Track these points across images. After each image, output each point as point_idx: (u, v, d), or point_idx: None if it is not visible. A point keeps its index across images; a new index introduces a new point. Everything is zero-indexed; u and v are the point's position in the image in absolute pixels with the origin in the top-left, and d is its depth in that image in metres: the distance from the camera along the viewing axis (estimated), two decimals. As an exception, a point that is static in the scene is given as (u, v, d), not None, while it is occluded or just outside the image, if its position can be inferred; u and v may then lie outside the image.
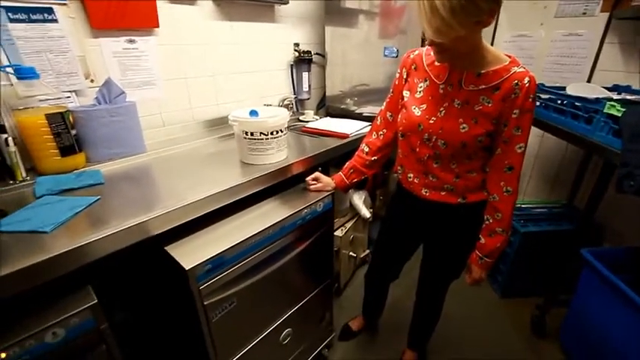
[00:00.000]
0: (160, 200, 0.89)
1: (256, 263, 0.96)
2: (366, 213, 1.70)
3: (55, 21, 1.09)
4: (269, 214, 1.01)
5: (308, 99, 1.97)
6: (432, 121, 0.91)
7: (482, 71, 0.84)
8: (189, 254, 0.83)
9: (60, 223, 0.79)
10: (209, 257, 0.82)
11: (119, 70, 1.26)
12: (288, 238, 1.05)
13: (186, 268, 0.78)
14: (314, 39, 1.94)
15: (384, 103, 1.12)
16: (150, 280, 1.02)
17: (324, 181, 1.17)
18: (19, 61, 1.05)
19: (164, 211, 0.83)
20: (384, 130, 1.13)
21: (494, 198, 0.93)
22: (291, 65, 1.87)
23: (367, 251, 1.97)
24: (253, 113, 1.19)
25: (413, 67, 0.98)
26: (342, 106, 1.89)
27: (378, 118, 1.14)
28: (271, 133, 1.12)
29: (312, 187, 1.17)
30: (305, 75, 1.88)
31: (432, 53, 0.92)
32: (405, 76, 1.01)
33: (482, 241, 0.98)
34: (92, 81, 1.21)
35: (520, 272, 1.79)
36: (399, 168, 1.09)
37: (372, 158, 1.15)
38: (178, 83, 1.43)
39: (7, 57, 1.03)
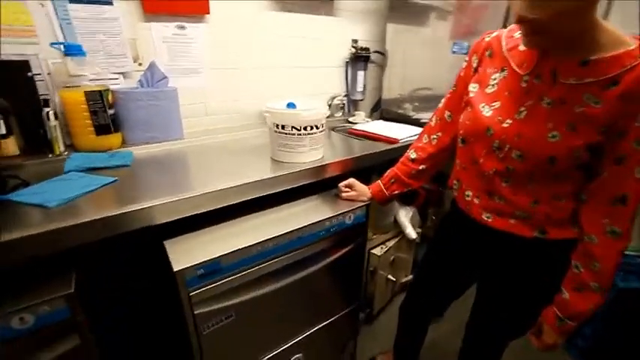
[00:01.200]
0: (175, 188, 0.80)
1: (263, 274, 0.83)
2: (411, 232, 1.47)
3: (110, 3, 1.11)
4: (287, 220, 0.88)
5: (361, 100, 1.80)
6: (506, 125, 0.68)
7: (591, 58, 0.58)
8: (186, 253, 0.73)
9: (66, 200, 0.75)
10: (202, 261, 0.71)
11: (167, 55, 1.25)
12: (306, 250, 0.90)
13: (175, 270, 0.68)
14: (374, 36, 1.78)
15: (443, 100, 0.91)
16: (147, 277, 0.95)
17: (358, 190, 1.00)
18: (74, 40, 1.08)
19: (167, 201, 0.74)
20: (440, 134, 0.91)
21: (591, 239, 0.66)
22: (347, 62, 1.73)
23: (410, 277, 1.72)
24: (291, 105, 1.07)
25: (487, 53, 0.76)
26: (400, 111, 1.69)
27: (433, 118, 0.94)
28: (305, 129, 0.98)
29: (344, 194, 1.01)
30: (360, 74, 1.72)
31: (516, 35, 0.70)
32: (474, 65, 0.79)
33: (566, 296, 0.71)
34: (140, 64, 1.21)
35: (610, 339, 1.37)
36: (454, 183, 0.87)
37: (420, 167, 0.94)
38: (225, 73, 1.39)
39: (64, 35, 1.07)
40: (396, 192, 0.98)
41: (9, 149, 0.96)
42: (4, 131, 0.93)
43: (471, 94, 0.76)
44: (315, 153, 1.04)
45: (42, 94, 1.03)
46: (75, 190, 0.79)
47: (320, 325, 1.06)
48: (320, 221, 0.89)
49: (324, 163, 1.01)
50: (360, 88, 1.75)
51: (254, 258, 0.79)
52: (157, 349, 0.95)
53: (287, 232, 0.83)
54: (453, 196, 0.91)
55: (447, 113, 0.89)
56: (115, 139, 1.11)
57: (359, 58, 1.69)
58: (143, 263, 0.87)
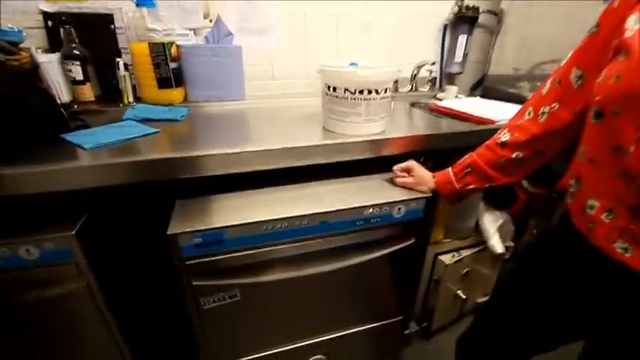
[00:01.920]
0: (207, 144, 0.73)
1: (276, 258, 0.70)
2: (496, 245, 1.14)
3: (186, -44, 1.08)
4: (317, 198, 0.71)
5: (459, 73, 1.47)
6: None
7: None
8: (190, 217, 0.64)
9: (102, 144, 0.75)
10: (200, 229, 0.61)
11: (237, 14, 1.19)
12: (335, 240, 0.73)
13: (168, 233, 0.60)
14: (487, -9, 1.40)
15: (569, 55, 0.59)
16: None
17: (417, 176, 0.76)
18: (152, -7, 1.10)
19: (190, 154, 0.66)
20: (555, 106, 0.60)
21: None
22: (445, 25, 1.40)
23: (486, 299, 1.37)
24: (353, 65, 0.88)
25: None
26: (512, 90, 1.31)
27: (547, 83, 0.62)
28: (360, 92, 0.79)
29: (398, 179, 0.78)
30: (462, 40, 1.39)
31: None
32: None
33: None
34: (210, 21, 1.18)
35: None
36: (570, 184, 0.57)
37: (513, 155, 0.65)
38: (296, 35, 1.27)
39: (143, -11, 1.09)
40: (472, 187, 0.70)
41: (85, 95, 1.03)
42: (81, 77, 1.01)
43: (630, 33, 0.45)
44: (373, 125, 0.84)
45: (122, 47, 1.10)
46: (116, 136, 0.79)
47: (351, 330, 0.89)
48: (355, 208, 0.70)
49: (381, 138, 0.80)
50: (458, 58, 1.42)
51: (264, 237, 0.66)
52: (162, 315, 0.92)
53: (311, 214, 0.67)
54: (565, 205, 0.59)
55: (575, 73, 0.57)
56: (176, 93, 1.11)
57: (462, 20, 1.36)
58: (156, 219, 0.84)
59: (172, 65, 1.07)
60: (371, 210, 0.71)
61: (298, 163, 0.74)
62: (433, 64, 1.34)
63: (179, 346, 0.96)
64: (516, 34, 1.28)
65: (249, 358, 0.81)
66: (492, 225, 1.14)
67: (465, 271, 1.22)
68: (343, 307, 0.86)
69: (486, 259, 1.28)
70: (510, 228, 1.19)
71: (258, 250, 0.67)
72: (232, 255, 0.66)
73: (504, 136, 0.65)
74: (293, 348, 0.85)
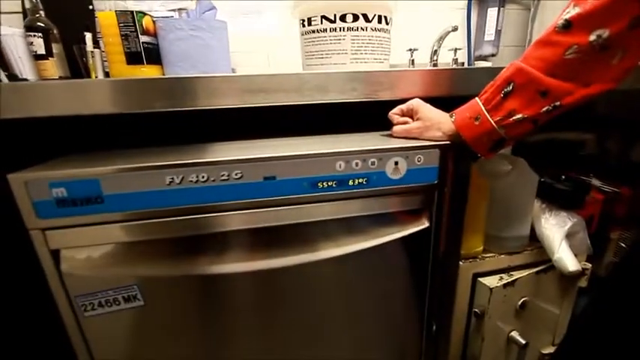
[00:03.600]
0: None
1: (201, 238, 0.44)
2: (565, 259, 0.78)
3: None
4: (269, 149, 0.46)
5: (492, 55, 1.20)
6: None
7: None
8: (54, 166, 0.42)
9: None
10: (61, 176, 0.38)
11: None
12: (291, 213, 0.46)
13: (9, 177, 0.38)
14: (522, -46, 1.18)
15: None
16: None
17: (426, 118, 0.48)
18: (134, -28, 1.02)
19: None
20: None
21: None
22: None
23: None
24: None
25: None
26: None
27: None
28: (343, 19, 0.57)
29: (397, 127, 0.52)
30: (492, 13, 1.15)
31: None
32: None
33: None
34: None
35: None
36: None
37: (592, 37, 0.36)
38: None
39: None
40: (517, 117, 0.41)
41: (48, 71, 0.92)
42: (43, 51, 0.90)
43: None
44: (363, 68, 0.60)
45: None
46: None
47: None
48: (316, 156, 0.43)
49: (374, 70, 0.55)
50: (489, 35, 1.17)
51: (171, 197, 0.41)
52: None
53: (235, 160, 0.41)
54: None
55: None
56: (147, 71, 0.96)
57: (491, -10, 1.14)
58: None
59: (144, 39, 0.94)
60: (346, 162, 0.44)
61: (261, 102, 0.51)
62: (469, 49, 1.10)
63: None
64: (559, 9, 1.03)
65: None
66: (557, 230, 0.79)
67: (520, 301, 0.85)
68: (318, 336, 0.55)
69: (553, 284, 0.89)
70: (585, 237, 0.83)
71: (158, 220, 0.42)
72: (122, 224, 0.42)
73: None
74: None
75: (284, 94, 0.51)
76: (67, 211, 0.40)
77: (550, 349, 0.98)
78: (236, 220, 0.44)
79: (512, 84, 0.41)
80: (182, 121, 0.81)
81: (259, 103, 0.50)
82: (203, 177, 0.41)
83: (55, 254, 0.42)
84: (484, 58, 1.21)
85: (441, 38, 1.07)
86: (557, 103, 0.39)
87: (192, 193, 0.41)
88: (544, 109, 0.40)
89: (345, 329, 0.54)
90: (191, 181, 0.41)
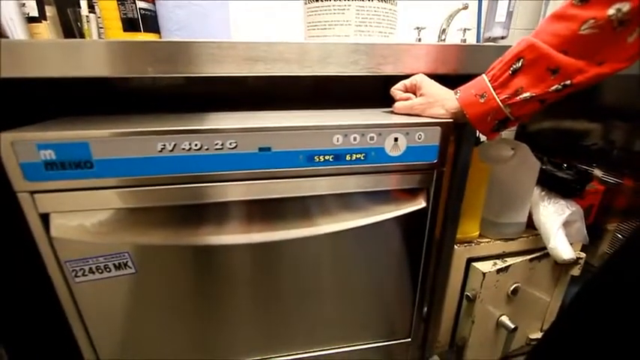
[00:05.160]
0: None
1: (193, 207, 0.43)
2: (560, 247, 0.77)
3: None
4: (263, 120, 0.45)
5: (502, 38, 1.16)
6: None
7: None
8: (42, 127, 0.41)
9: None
10: (49, 138, 0.37)
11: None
12: (285, 186, 0.45)
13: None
14: None
15: None
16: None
17: (429, 94, 0.47)
18: None
19: None
20: None
21: None
22: (483, -23, 1.13)
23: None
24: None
25: None
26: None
27: None
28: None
29: (398, 104, 0.50)
30: (505, -7, 1.10)
31: None
32: None
33: None
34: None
35: None
36: None
37: (611, 11, 0.34)
38: None
39: None
40: (525, 96, 0.39)
41: (41, 35, 0.89)
42: (35, 14, 0.87)
43: None
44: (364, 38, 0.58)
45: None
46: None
47: (324, 351, 0.58)
48: (314, 129, 0.42)
49: (377, 43, 0.52)
50: (500, 17, 1.13)
51: (162, 164, 0.40)
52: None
53: (230, 130, 0.40)
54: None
55: None
56: (145, 39, 0.94)
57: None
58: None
59: (141, 5, 0.90)
60: (344, 136, 0.43)
61: (259, 72, 0.49)
62: (478, 30, 1.06)
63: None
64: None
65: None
66: (555, 218, 0.79)
67: (512, 286, 0.85)
68: (310, 311, 0.55)
69: (545, 272, 0.90)
70: (582, 227, 0.82)
71: (149, 188, 0.41)
72: (112, 191, 0.41)
73: None
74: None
75: (284, 64, 0.49)
76: (56, 174, 0.39)
77: (538, 335, 1.00)
78: (229, 192, 0.43)
79: (521, 60, 0.39)
80: (178, 91, 0.79)
81: (258, 73, 0.48)
82: (196, 145, 0.40)
83: (45, 218, 0.41)
84: (493, 40, 1.17)
85: (451, 17, 1.03)
86: (568, 82, 0.37)
87: (184, 161, 0.40)
88: (553, 87, 0.38)
89: (337, 305, 0.55)
90: (183, 149, 0.40)
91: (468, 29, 1.06)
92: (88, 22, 0.90)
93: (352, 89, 0.79)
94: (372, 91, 0.80)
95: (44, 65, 0.41)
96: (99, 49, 0.43)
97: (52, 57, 0.41)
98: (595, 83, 0.38)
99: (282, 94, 0.77)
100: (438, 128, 0.45)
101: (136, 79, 0.75)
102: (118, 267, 0.44)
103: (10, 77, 0.40)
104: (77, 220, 0.42)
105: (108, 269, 0.44)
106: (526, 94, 0.39)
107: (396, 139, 0.44)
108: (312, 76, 0.50)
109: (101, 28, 0.93)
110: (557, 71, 0.37)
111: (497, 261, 0.84)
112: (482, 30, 1.16)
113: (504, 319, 0.87)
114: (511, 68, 0.40)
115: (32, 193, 0.39)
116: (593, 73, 0.37)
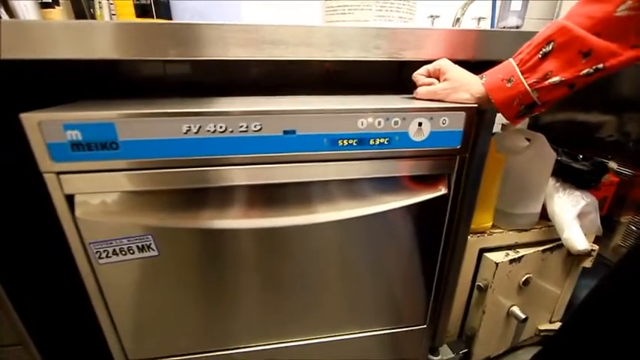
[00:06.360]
0: None
1: (219, 190, 0.43)
2: (574, 238, 0.77)
3: None
4: (285, 104, 0.44)
5: (517, 28, 1.14)
6: None
7: None
8: (66, 109, 0.41)
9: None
10: (75, 118, 0.37)
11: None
12: (310, 170, 0.45)
13: (21, 115, 0.36)
14: None
15: None
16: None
17: (454, 80, 0.46)
18: None
19: None
20: None
21: None
22: (499, -34, 1.11)
23: (556, 325, 0.97)
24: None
25: None
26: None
27: None
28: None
29: (421, 89, 0.50)
30: (521, -19, 1.08)
31: None
32: None
33: None
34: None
35: None
36: None
37: None
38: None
39: None
40: (553, 80, 0.39)
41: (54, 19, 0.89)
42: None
43: None
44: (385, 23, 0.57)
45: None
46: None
47: (340, 336, 0.58)
48: (338, 112, 0.42)
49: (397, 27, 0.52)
50: (515, 6, 1.10)
51: (188, 146, 0.40)
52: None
53: (255, 112, 0.40)
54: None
55: None
56: (157, 25, 0.93)
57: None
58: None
59: (154, -10, 0.90)
60: (368, 120, 0.42)
61: (279, 56, 0.48)
62: (492, 20, 1.04)
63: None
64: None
65: (178, 358, 0.54)
66: (570, 209, 0.78)
67: (524, 277, 0.85)
68: (329, 298, 0.56)
69: (557, 263, 0.90)
70: (596, 218, 0.82)
71: (175, 170, 0.41)
72: (137, 172, 0.41)
73: None
74: (239, 353, 0.56)
75: (305, 48, 0.48)
76: (81, 155, 0.39)
77: (547, 326, 1.00)
78: (255, 175, 0.43)
79: (552, 43, 0.38)
80: (189, 80, 0.78)
81: (278, 57, 0.48)
82: (221, 127, 0.40)
83: (70, 199, 0.41)
84: (508, 29, 1.15)
85: (465, 5, 1.02)
86: (600, 66, 0.37)
87: (209, 143, 0.40)
88: (584, 71, 0.37)
89: (355, 291, 0.55)
90: (209, 130, 0.40)
91: (483, 18, 1.04)
92: (100, 7, 0.89)
93: (365, 77, 0.79)
94: (385, 78, 0.79)
95: (54, 47, 0.40)
96: (110, 30, 0.42)
97: (62, 38, 0.41)
98: (626, 67, 0.37)
99: (294, 81, 0.76)
100: (463, 113, 0.44)
101: (148, 68, 0.74)
102: (141, 249, 0.45)
103: (19, 59, 0.40)
104: (101, 201, 0.42)
105: (131, 251, 0.45)
106: (555, 79, 0.39)
107: (420, 124, 0.43)
108: (325, 65, 0.49)
109: (113, 14, 0.93)
110: (589, 54, 0.37)
111: (509, 252, 0.84)
112: (496, 19, 1.14)
113: (515, 309, 0.88)
114: (541, 52, 0.39)
115: (58, 174, 0.39)
116: (626, 56, 0.36)
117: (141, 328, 0.51)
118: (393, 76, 0.79)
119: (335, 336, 0.59)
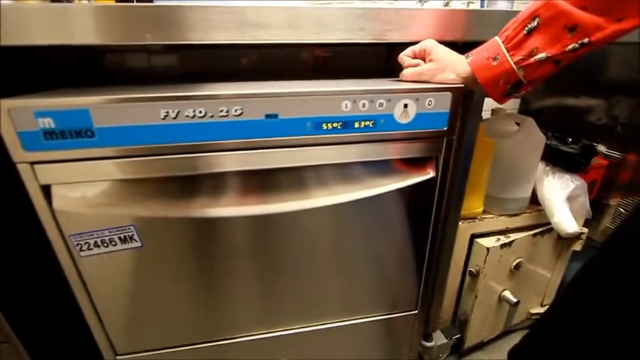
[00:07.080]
0: None
1: (200, 177, 0.42)
2: (564, 221, 0.78)
3: None
4: (269, 87, 0.43)
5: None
6: None
7: None
8: (39, 95, 0.39)
9: None
10: (47, 105, 0.35)
11: None
12: (295, 155, 0.44)
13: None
14: None
15: None
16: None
17: (439, 60, 0.45)
18: None
19: None
20: None
21: None
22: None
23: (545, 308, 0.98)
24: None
25: None
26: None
27: None
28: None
29: (406, 71, 0.49)
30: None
31: None
32: None
33: None
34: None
35: None
36: None
37: None
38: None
39: None
40: (539, 57, 0.38)
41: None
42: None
43: None
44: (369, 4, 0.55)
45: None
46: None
47: (328, 324, 0.58)
48: (320, 94, 0.41)
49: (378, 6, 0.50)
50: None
51: (168, 132, 0.39)
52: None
53: (234, 95, 0.39)
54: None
55: None
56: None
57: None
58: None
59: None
60: (352, 102, 0.41)
61: (261, 39, 0.47)
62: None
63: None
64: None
65: (168, 350, 0.54)
66: (559, 192, 0.78)
67: (515, 262, 0.86)
68: (321, 284, 0.55)
69: (548, 247, 0.91)
70: (585, 201, 0.82)
71: (154, 158, 0.40)
72: (115, 161, 0.40)
73: None
74: (240, 341, 0.55)
75: (289, 31, 0.47)
76: (55, 144, 0.37)
77: (538, 309, 1.01)
78: (236, 161, 0.42)
79: (537, 19, 0.37)
80: (173, 70, 0.76)
81: (263, 40, 0.47)
82: (200, 112, 0.39)
83: (46, 190, 0.40)
84: (496, 10, 1.14)
85: (454, -11, 1.00)
86: (586, 40, 0.36)
87: (188, 129, 0.39)
88: (570, 46, 0.37)
89: (344, 277, 0.55)
90: (187, 116, 0.38)
91: (472, 2, 1.03)
92: (79, -4, 0.86)
93: (354, 63, 0.77)
94: (374, 64, 0.78)
95: (29, 32, 0.39)
96: (88, 13, 0.40)
97: (38, 22, 0.39)
98: (612, 41, 0.37)
99: (283, 70, 0.75)
100: (449, 94, 0.44)
101: (132, 60, 0.72)
102: (123, 240, 0.44)
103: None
104: (80, 191, 0.41)
105: (113, 243, 0.44)
106: (541, 55, 0.38)
107: (405, 106, 0.43)
108: (314, 51, 0.48)
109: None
110: (574, 29, 0.36)
111: (500, 237, 0.84)
112: (485, 2, 1.13)
113: (507, 293, 0.88)
114: (526, 28, 0.38)
115: (32, 163, 0.38)
116: (612, 29, 0.35)
117: (128, 321, 0.51)
118: (382, 62, 0.78)
119: (328, 323, 0.59)
